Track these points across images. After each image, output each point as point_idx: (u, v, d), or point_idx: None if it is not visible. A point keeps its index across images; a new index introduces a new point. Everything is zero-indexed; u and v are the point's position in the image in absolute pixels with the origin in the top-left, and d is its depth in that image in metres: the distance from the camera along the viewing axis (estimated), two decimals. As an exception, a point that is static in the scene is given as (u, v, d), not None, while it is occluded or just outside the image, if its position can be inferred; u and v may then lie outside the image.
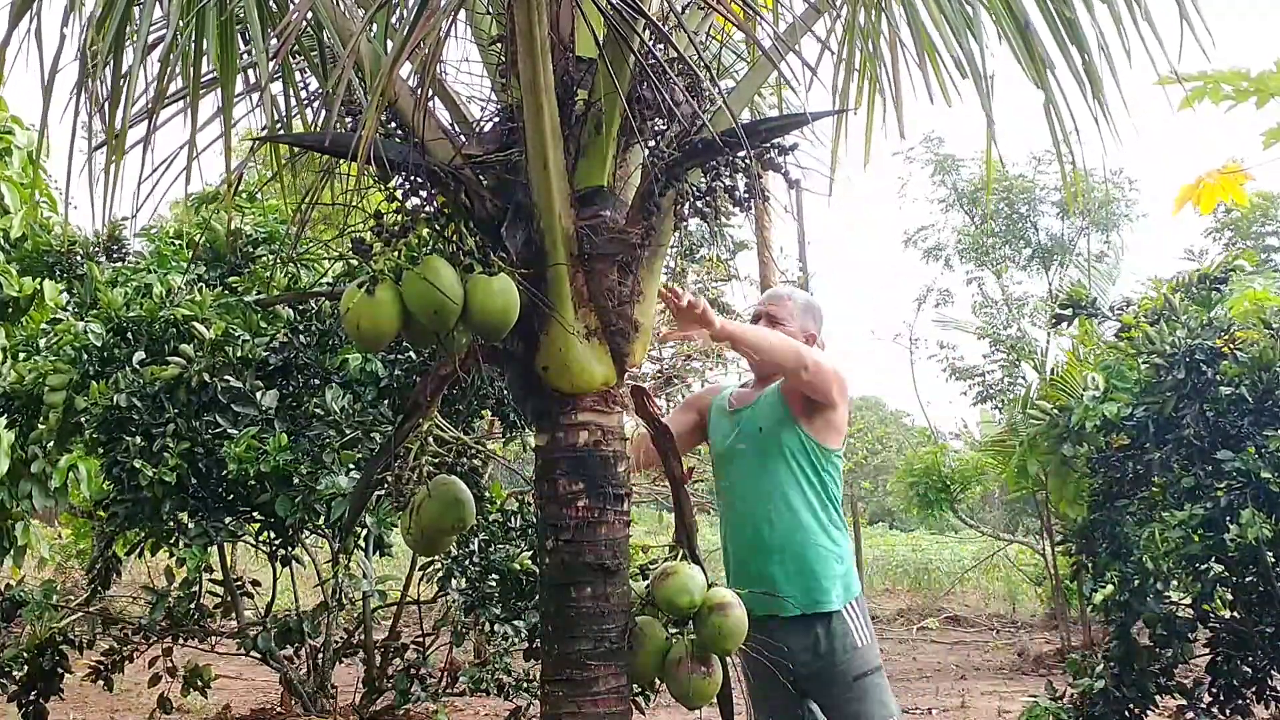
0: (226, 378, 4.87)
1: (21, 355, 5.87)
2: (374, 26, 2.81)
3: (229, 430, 4.78)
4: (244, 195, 6.24)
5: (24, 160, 6.30)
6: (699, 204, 2.93)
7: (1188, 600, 4.75)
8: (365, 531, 5.26)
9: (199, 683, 5.62)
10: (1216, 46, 2.64)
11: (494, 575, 4.90)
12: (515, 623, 4.96)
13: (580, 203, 2.81)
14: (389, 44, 2.85)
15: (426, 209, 2.84)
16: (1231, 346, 4.58)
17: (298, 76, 3.31)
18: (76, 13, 2.26)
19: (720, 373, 14.27)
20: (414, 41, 1.95)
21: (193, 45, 2.35)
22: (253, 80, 3.41)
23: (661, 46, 2.80)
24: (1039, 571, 10.94)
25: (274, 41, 2.50)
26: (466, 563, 4.94)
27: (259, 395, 4.88)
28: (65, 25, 2.27)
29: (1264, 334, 4.56)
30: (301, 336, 5.05)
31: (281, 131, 3.30)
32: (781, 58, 2.83)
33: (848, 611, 3.20)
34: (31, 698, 5.22)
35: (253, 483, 4.80)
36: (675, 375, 12.02)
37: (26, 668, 5.25)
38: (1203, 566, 4.54)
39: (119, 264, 6.46)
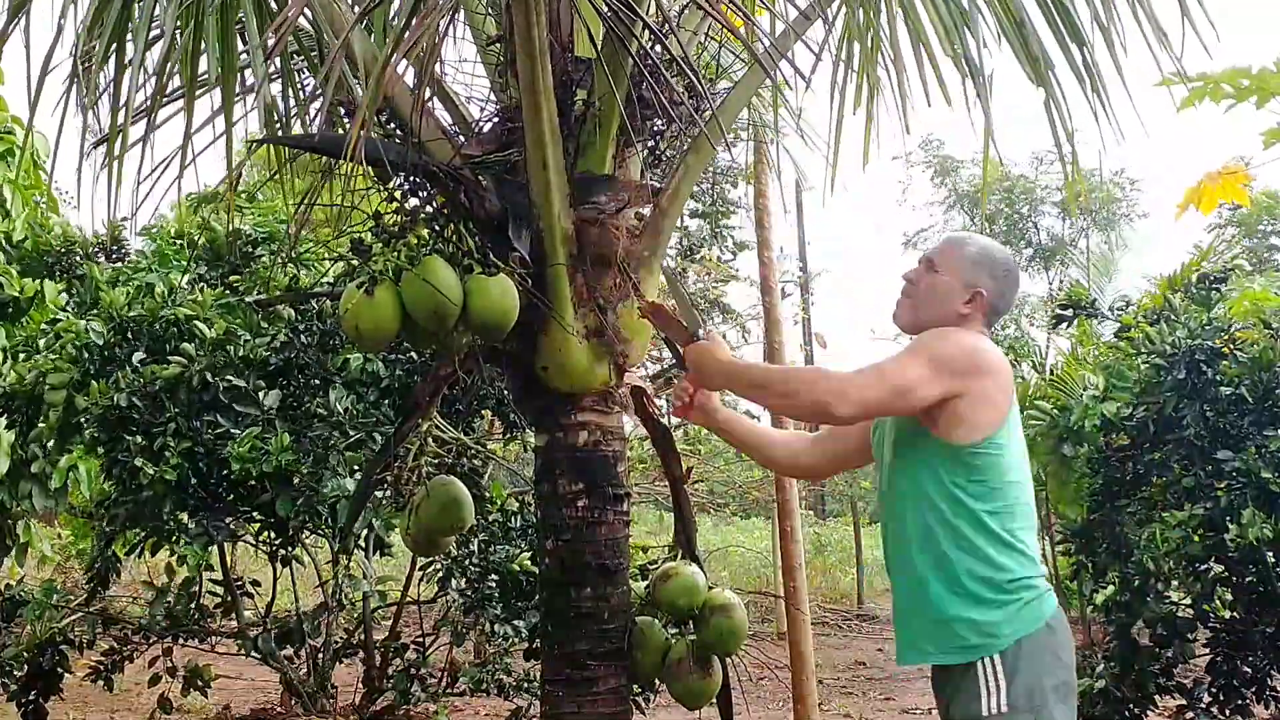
0: (228, 377, 4.87)
1: (21, 355, 5.87)
2: (370, 27, 2.81)
3: (230, 430, 4.78)
4: (244, 195, 6.24)
5: (25, 161, 6.30)
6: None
7: (1188, 600, 4.75)
8: (365, 532, 5.25)
9: (199, 683, 5.62)
10: (1223, 57, 2.64)
11: (494, 575, 4.89)
12: (515, 623, 4.96)
13: (579, 190, 2.80)
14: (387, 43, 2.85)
15: (426, 209, 2.84)
16: (1231, 346, 4.58)
17: (297, 77, 3.31)
18: (73, 9, 2.25)
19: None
20: (409, 41, 1.95)
21: (191, 44, 2.35)
22: (250, 80, 3.41)
23: (659, 47, 2.80)
24: (1039, 571, 10.92)
25: (271, 40, 2.49)
26: (466, 563, 4.94)
27: (261, 395, 4.88)
28: (61, 18, 2.26)
29: (1264, 334, 4.56)
30: (303, 336, 5.05)
31: (280, 131, 3.29)
32: (776, 65, 2.83)
33: (984, 667, 2.33)
34: (31, 697, 5.22)
35: (254, 483, 4.80)
36: (675, 375, 12.01)
37: (26, 668, 5.25)
38: (1203, 566, 4.53)
39: (119, 264, 6.46)
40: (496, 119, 2.93)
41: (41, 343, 5.71)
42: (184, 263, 5.99)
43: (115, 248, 6.63)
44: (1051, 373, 5.73)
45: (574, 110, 2.78)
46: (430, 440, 3.26)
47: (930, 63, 2.68)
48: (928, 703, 7.43)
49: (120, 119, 2.48)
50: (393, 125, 2.91)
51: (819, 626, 10.17)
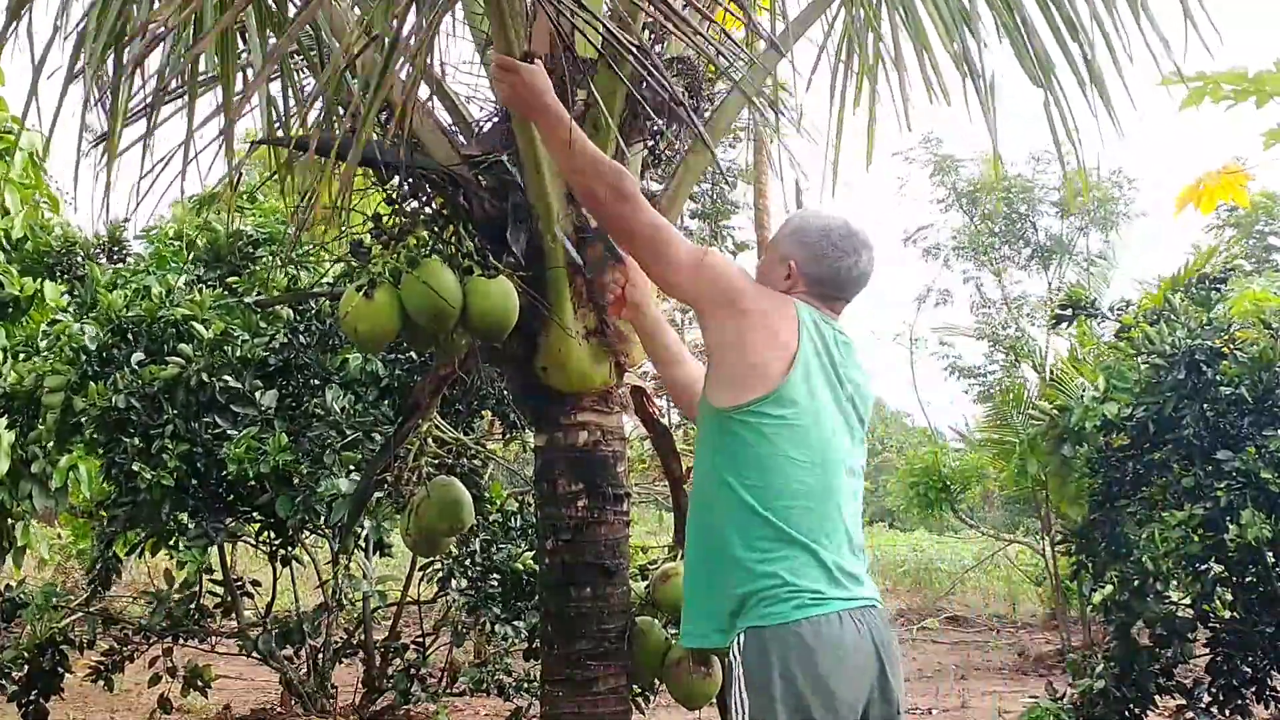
0: (225, 378, 4.87)
1: (21, 355, 5.87)
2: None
3: (229, 430, 4.77)
4: (244, 196, 6.24)
5: (25, 161, 6.30)
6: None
7: (1188, 600, 4.75)
8: (365, 532, 5.25)
9: (199, 683, 5.62)
10: (1223, 56, 2.64)
11: (494, 575, 4.89)
12: (515, 623, 4.96)
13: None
14: (386, 43, 2.84)
15: (426, 211, 2.84)
16: (1231, 346, 4.58)
17: (298, 77, 3.30)
18: (73, 8, 2.25)
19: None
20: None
21: (191, 44, 2.35)
22: (250, 80, 3.41)
23: (660, 48, 2.80)
24: (1039, 571, 10.93)
25: (272, 41, 2.49)
26: (467, 563, 4.93)
27: (259, 395, 4.88)
28: (59, 17, 2.26)
29: (1264, 334, 4.56)
30: (301, 337, 5.05)
31: (280, 131, 3.29)
32: (776, 65, 2.83)
33: (737, 650, 2.17)
34: (31, 698, 5.22)
35: (252, 483, 4.80)
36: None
37: (27, 668, 5.25)
38: (1203, 566, 4.53)
39: (119, 265, 6.46)
40: (496, 119, 2.93)
41: (42, 344, 5.71)
42: (182, 264, 5.99)
43: (116, 249, 6.62)
44: (1051, 373, 5.73)
45: (574, 110, 2.78)
46: (430, 440, 3.26)
47: (930, 62, 2.68)
48: (927, 702, 7.43)
49: (119, 120, 2.48)
50: (392, 126, 2.90)
51: (819, 626, 10.15)
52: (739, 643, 2.16)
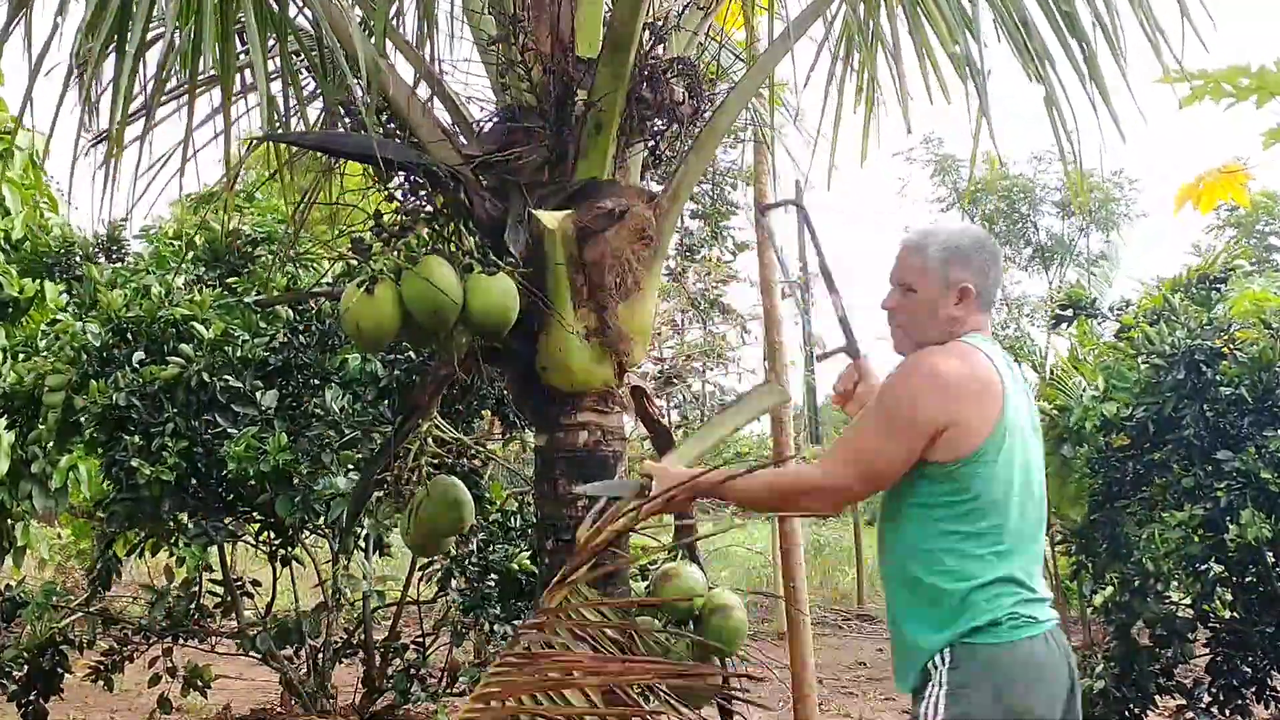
0: (226, 377, 4.87)
1: (21, 355, 5.87)
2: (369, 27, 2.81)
3: (229, 430, 4.77)
4: (243, 195, 6.24)
5: (25, 161, 6.30)
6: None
7: (1188, 600, 4.74)
8: (365, 532, 5.25)
9: (199, 683, 5.62)
10: (1219, 44, 2.63)
11: (493, 575, 4.89)
12: (515, 623, 4.96)
13: (580, 196, 2.80)
14: (387, 42, 2.85)
15: (426, 209, 2.84)
16: (1231, 346, 4.57)
17: (298, 76, 3.30)
18: (73, 8, 2.25)
19: (720, 373, 14.28)
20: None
21: (190, 43, 2.35)
22: (250, 80, 3.41)
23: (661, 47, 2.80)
24: (1039, 571, 10.92)
25: (271, 40, 2.49)
26: (466, 563, 4.93)
27: (258, 395, 4.88)
28: (59, 15, 2.26)
29: (1264, 334, 4.56)
30: (301, 336, 5.05)
31: (280, 131, 3.29)
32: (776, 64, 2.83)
33: (930, 691, 2.22)
34: (31, 698, 5.22)
35: (252, 483, 4.80)
36: (675, 375, 12.02)
37: (26, 668, 5.25)
38: (1203, 566, 4.53)
39: (118, 265, 6.46)
40: (497, 119, 2.94)
41: (41, 344, 5.70)
42: (182, 263, 5.98)
43: (115, 248, 6.62)
44: (1051, 373, 5.73)
45: (574, 110, 2.78)
46: (430, 440, 3.26)
47: (930, 61, 2.68)
48: (928, 703, 7.41)
49: (118, 119, 2.48)
50: (393, 125, 2.91)
51: (819, 626, 10.17)
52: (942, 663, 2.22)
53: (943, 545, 2.23)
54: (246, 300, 5.30)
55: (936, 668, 2.21)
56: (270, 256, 5.73)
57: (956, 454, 2.21)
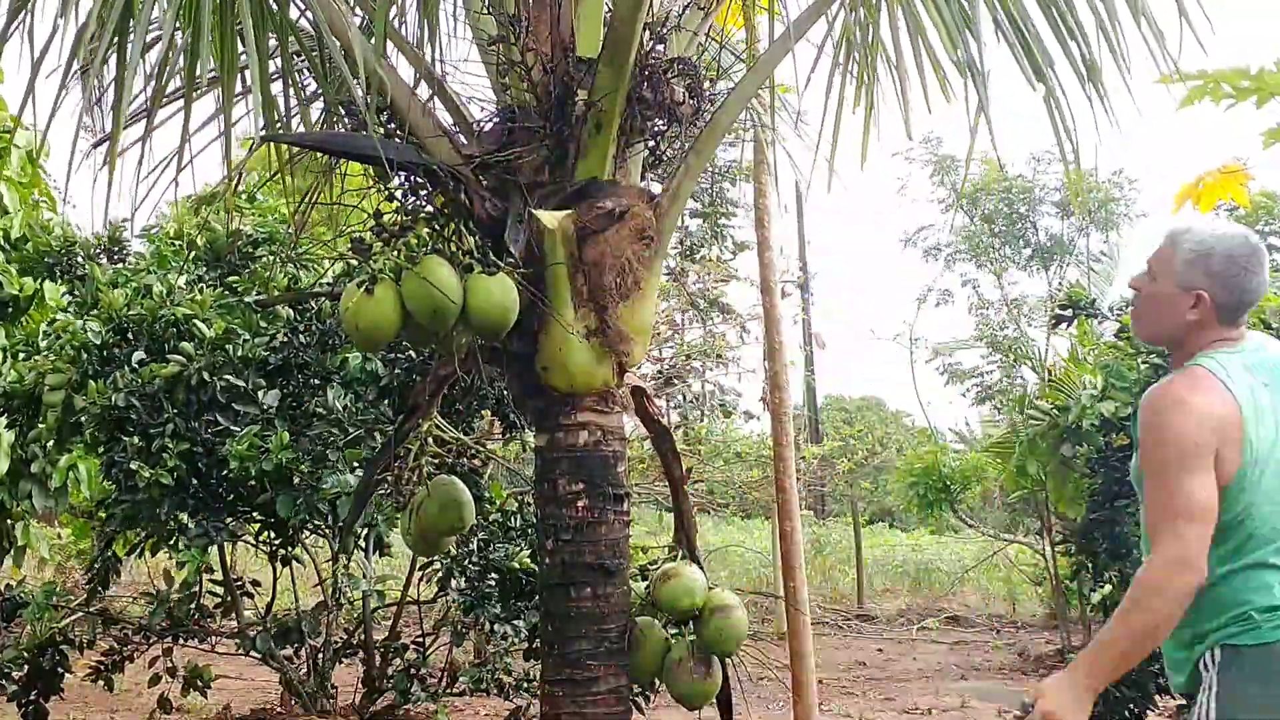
0: (226, 377, 4.87)
1: (21, 355, 5.87)
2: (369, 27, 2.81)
3: (229, 429, 4.78)
4: (244, 195, 6.24)
5: (23, 160, 6.29)
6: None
7: (1188, 600, 4.74)
8: (365, 531, 5.25)
9: (199, 683, 5.62)
10: (1218, 44, 2.63)
11: (493, 575, 4.89)
12: (515, 623, 4.96)
13: (580, 196, 2.80)
14: (387, 43, 2.85)
15: (426, 209, 2.85)
16: (1231, 346, 4.57)
17: (298, 77, 3.30)
18: (72, 10, 2.25)
19: (721, 373, 14.28)
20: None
21: (190, 44, 2.35)
22: (246, 85, 3.41)
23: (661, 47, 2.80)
24: (1039, 571, 10.94)
25: (271, 41, 2.50)
26: (466, 563, 4.93)
27: (259, 394, 4.88)
28: (60, 16, 2.26)
29: (1264, 334, 4.55)
30: (301, 336, 5.05)
31: (281, 132, 3.29)
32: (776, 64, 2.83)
33: (1203, 691, 2.20)
34: (31, 698, 5.22)
35: (253, 482, 4.80)
36: (675, 375, 12.02)
37: (26, 668, 5.25)
38: (1203, 566, 4.53)
39: (119, 264, 6.46)
40: (497, 119, 2.94)
41: (42, 343, 5.70)
42: (182, 263, 5.98)
43: (116, 248, 6.62)
44: (1050, 373, 5.73)
45: (574, 110, 2.79)
46: (430, 440, 3.27)
47: (930, 61, 2.68)
48: (928, 702, 7.43)
49: (119, 119, 2.48)
50: (393, 125, 2.91)
51: (819, 626, 10.18)
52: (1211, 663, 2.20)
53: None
54: (247, 300, 5.30)
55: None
56: (271, 256, 5.74)
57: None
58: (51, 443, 5.50)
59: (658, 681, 3.06)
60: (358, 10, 3.13)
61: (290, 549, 5.51)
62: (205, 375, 4.83)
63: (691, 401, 14.26)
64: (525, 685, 5.26)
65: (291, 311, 5.12)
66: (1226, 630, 2.18)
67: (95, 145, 2.68)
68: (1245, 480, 2.19)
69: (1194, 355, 2.30)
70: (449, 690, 5.54)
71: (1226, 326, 2.31)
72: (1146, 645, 2.19)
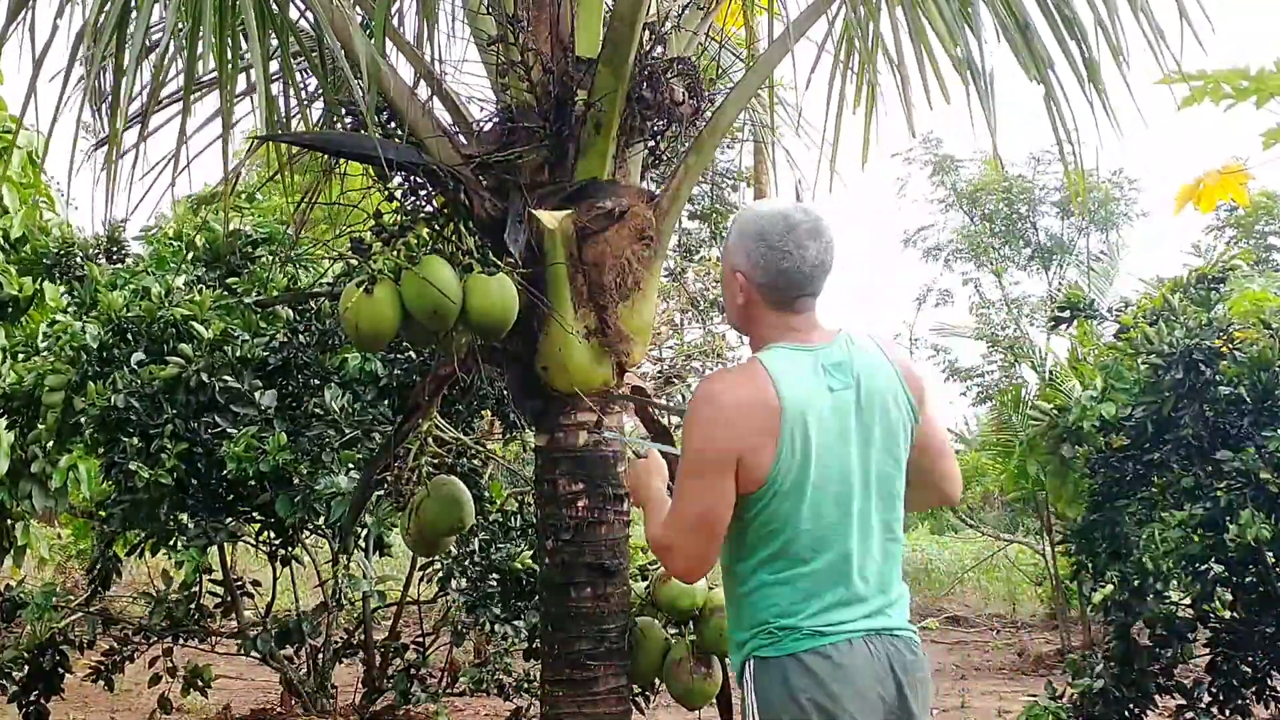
0: (225, 377, 4.87)
1: (21, 355, 5.87)
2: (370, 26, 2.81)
3: (228, 430, 4.78)
4: (243, 196, 6.24)
5: (24, 160, 6.30)
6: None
7: (1188, 600, 4.74)
8: (365, 531, 5.25)
9: (199, 683, 5.62)
10: (1218, 40, 2.63)
11: (494, 575, 4.89)
12: (515, 623, 4.96)
13: (580, 195, 2.80)
14: (387, 42, 2.85)
15: (426, 209, 2.85)
16: (1230, 346, 4.57)
17: (298, 77, 3.30)
18: (71, 11, 2.26)
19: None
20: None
21: (189, 44, 2.35)
22: (250, 81, 3.41)
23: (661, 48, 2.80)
24: (1039, 571, 10.94)
25: (272, 42, 2.50)
26: (466, 563, 4.93)
27: (258, 395, 4.88)
28: (59, 17, 2.27)
29: (1263, 334, 4.56)
30: (301, 336, 5.05)
31: (280, 131, 3.30)
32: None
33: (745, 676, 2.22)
34: (32, 698, 5.22)
35: (252, 483, 4.80)
36: (675, 375, 12.02)
37: (27, 668, 5.25)
38: (1203, 566, 4.53)
39: (119, 265, 6.46)
40: (497, 119, 2.94)
41: (41, 344, 5.71)
42: (181, 264, 5.99)
43: (115, 249, 6.63)
44: (1050, 374, 5.73)
45: (574, 110, 2.79)
46: (430, 440, 3.27)
47: (930, 61, 2.68)
48: (927, 703, 7.41)
49: (119, 120, 2.48)
50: (393, 125, 2.91)
51: (819, 626, 10.16)
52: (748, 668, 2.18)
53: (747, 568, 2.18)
54: (246, 300, 5.30)
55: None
56: (270, 257, 5.74)
57: (748, 489, 2.11)
58: (51, 443, 5.50)
59: (658, 681, 3.06)
60: (358, 9, 3.13)
61: (290, 549, 5.51)
62: (204, 376, 4.83)
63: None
64: (525, 685, 5.26)
65: (291, 312, 5.12)
66: (755, 643, 2.16)
67: (96, 146, 2.68)
68: (775, 489, 2.09)
69: (763, 345, 2.21)
70: (449, 690, 5.55)
71: (781, 311, 2.20)
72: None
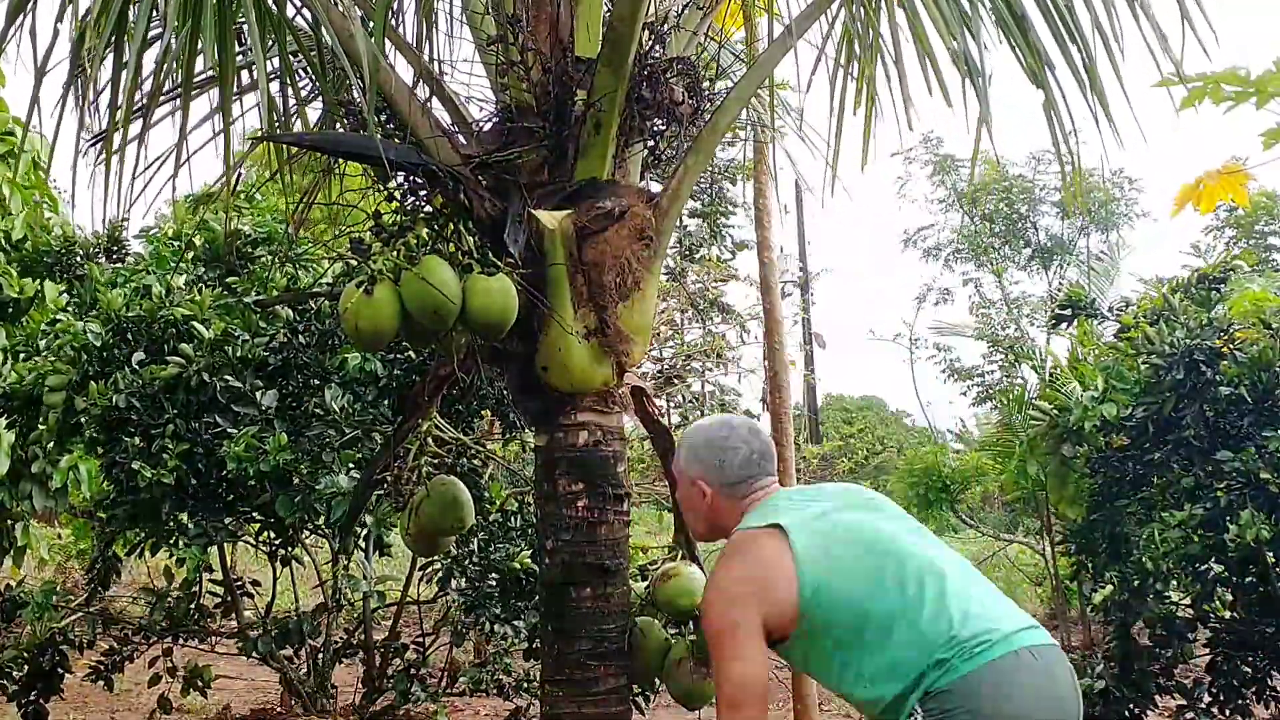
0: (226, 377, 4.87)
1: (21, 355, 5.87)
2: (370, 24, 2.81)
3: (229, 430, 4.78)
4: (242, 195, 6.24)
5: (26, 162, 6.29)
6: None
7: (1188, 600, 4.74)
8: (365, 532, 5.25)
9: (199, 683, 5.62)
10: (1220, 45, 2.63)
11: (494, 575, 4.89)
12: (515, 623, 4.96)
13: (579, 196, 2.80)
14: (386, 42, 2.85)
15: (425, 209, 2.85)
16: (1231, 347, 4.57)
17: (298, 77, 3.31)
18: (71, 11, 2.26)
19: (721, 373, 14.28)
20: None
21: (189, 43, 2.35)
22: (248, 81, 3.41)
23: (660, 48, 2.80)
24: (1039, 571, 10.94)
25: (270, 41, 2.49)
26: (466, 563, 4.93)
27: (259, 395, 4.88)
28: (59, 21, 2.27)
29: (1263, 334, 4.55)
30: (301, 336, 5.05)
31: (280, 131, 3.29)
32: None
33: None
34: (31, 698, 5.22)
35: (252, 483, 4.80)
36: (675, 375, 12.02)
37: (26, 668, 5.24)
38: (1203, 566, 4.53)
39: (119, 265, 6.46)
40: (496, 119, 2.94)
41: (41, 343, 5.70)
42: (182, 264, 5.99)
43: (115, 248, 6.63)
44: (1051, 374, 5.73)
45: (573, 110, 2.78)
46: (430, 440, 3.26)
47: (930, 61, 2.68)
48: (927, 703, 7.41)
49: (117, 117, 2.48)
50: (392, 125, 2.91)
51: (819, 626, 10.16)
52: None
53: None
54: (246, 300, 5.30)
55: None
56: (270, 256, 5.74)
57: (784, 634, 2.29)
58: (51, 443, 5.49)
59: (658, 681, 3.06)
60: (357, 9, 3.13)
61: (290, 549, 5.51)
62: (205, 376, 4.83)
63: (691, 401, 14.26)
64: (525, 685, 5.26)
65: (291, 312, 5.12)
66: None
67: (92, 143, 2.68)
68: (815, 609, 2.25)
69: (730, 531, 2.44)
70: (449, 690, 5.54)
71: (742, 499, 2.47)
72: None
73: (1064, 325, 5.60)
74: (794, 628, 2.27)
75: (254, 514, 5.17)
